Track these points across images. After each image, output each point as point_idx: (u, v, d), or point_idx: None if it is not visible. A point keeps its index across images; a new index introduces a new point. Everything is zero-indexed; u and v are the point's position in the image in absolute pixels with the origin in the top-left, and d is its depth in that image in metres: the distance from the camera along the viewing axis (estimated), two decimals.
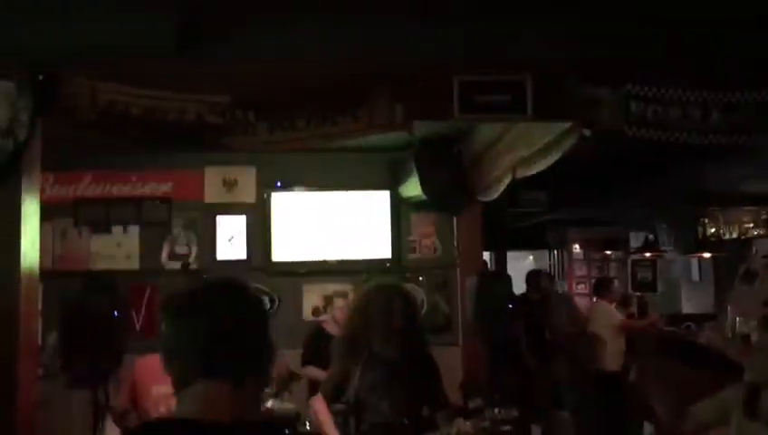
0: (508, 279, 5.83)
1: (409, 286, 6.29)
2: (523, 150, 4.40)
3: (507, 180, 5.01)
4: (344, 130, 3.17)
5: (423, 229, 6.50)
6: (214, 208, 6.33)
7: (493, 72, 3.20)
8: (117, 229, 6.24)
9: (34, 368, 3.12)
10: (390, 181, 6.30)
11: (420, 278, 6.46)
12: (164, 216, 6.26)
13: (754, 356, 3.08)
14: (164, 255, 6.26)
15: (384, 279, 4.16)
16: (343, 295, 5.85)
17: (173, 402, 3.43)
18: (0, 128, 3.03)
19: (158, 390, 3.45)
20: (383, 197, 6.39)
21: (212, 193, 6.35)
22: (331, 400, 3.48)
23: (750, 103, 3.26)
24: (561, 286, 8.29)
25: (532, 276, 7.76)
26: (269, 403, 5.56)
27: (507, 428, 3.50)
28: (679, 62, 3.32)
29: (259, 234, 6.30)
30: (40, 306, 3.70)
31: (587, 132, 3.37)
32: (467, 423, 3.29)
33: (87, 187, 6.19)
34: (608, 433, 6.91)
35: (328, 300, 6.23)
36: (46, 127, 3.17)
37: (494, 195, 5.47)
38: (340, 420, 3.30)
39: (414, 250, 6.48)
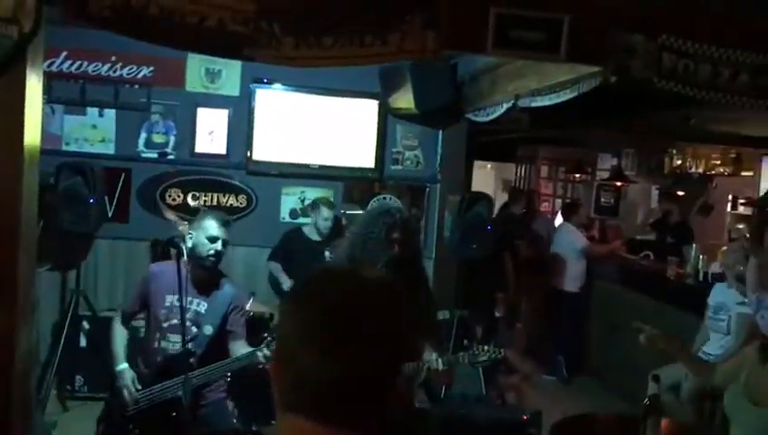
0: (490, 201, 5.88)
1: (388, 198, 6.33)
2: (532, 82, 4.32)
3: (507, 106, 4.95)
4: (372, 53, 3.03)
5: (408, 142, 6.43)
6: (195, 98, 6.09)
7: (530, 8, 3.08)
8: (92, 111, 5.96)
9: (33, 251, 3.01)
10: (380, 91, 6.14)
11: (399, 190, 6.46)
12: (143, 101, 6.00)
13: None
14: (141, 142, 6.06)
15: (387, 203, 4.15)
16: (330, 206, 5.80)
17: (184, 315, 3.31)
18: (4, 15, 2.80)
19: (172, 299, 3.42)
20: (371, 105, 6.26)
21: (194, 82, 6.09)
22: None
23: None
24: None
25: (518, 193, 7.92)
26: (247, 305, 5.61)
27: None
28: (716, 18, 3.26)
29: (240, 130, 6.13)
30: None
31: (613, 79, 3.32)
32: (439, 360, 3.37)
33: (61, 63, 5.84)
34: (557, 349, 7.23)
35: (306, 204, 6.20)
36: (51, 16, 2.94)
37: (488, 118, 5.42)
38: None
39: (397, 162, 6.43)
